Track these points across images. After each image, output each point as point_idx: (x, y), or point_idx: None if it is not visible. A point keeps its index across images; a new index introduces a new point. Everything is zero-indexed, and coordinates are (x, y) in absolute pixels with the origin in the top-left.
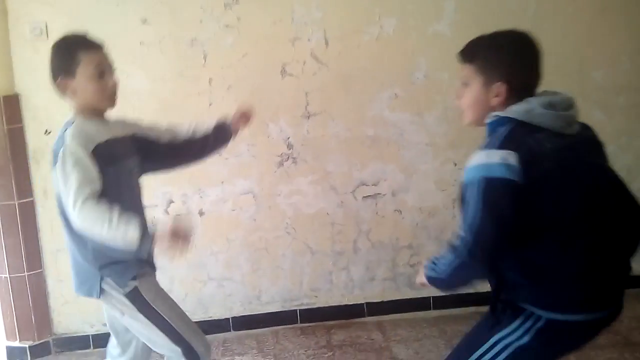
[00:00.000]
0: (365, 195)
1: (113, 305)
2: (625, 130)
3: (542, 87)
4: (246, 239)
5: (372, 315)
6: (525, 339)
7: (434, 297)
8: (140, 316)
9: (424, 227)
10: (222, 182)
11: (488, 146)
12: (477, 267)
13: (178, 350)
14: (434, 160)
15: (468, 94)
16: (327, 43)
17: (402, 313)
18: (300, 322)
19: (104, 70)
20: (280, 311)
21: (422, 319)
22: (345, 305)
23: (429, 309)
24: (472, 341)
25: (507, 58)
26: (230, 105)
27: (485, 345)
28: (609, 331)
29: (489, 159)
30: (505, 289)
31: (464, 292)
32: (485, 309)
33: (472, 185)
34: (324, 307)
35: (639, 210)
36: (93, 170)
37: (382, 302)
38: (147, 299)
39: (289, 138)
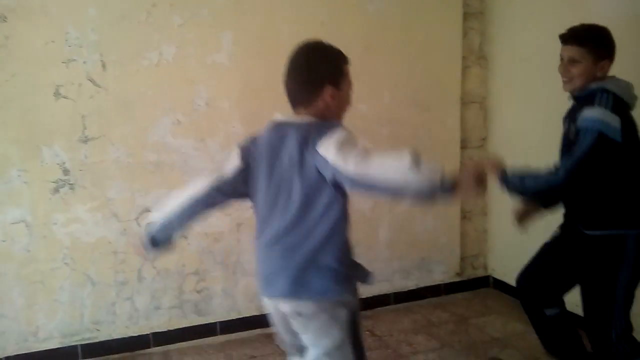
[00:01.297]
0: (149, 222)
1: (322, 317)
2: None
3: None
4: (19, 271)
5: (159, 346)
6: (632, 254)
7: (220, 322)
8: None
9: (210, 252)
10: None
11: (602, 105)
12: (562, 193)
13: None
14: None
15: (579, 67)
16: (104, 66)
17: (189, 341)
18: (82, 358)
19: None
20: (60, 347)
21: (209, 345)
22: (130, 337)
23: (216, 334)
24: (603, 301)
25: (611, 43)
26: None
27: (619, 290)
28: (380, 346)
29: (607, 119)
30: (605, 217)
31: (251, 315)
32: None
33: (589, 132)
34: (107, 341)
35: None
36: None
37: (168, 331)
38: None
39: (65, 163)
